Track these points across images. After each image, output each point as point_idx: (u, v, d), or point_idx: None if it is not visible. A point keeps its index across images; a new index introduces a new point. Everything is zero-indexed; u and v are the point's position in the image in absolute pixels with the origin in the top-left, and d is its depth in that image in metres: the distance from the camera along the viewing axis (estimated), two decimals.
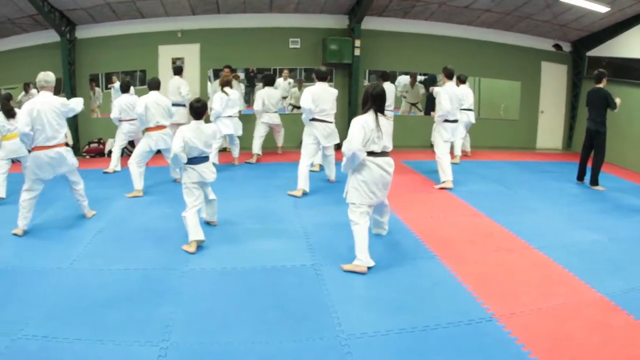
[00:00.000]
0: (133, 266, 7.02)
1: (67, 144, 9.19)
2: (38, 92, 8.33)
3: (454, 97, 10.99)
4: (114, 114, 12.69)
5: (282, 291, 6.19)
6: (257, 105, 13.51)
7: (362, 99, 6.81)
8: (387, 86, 14.51)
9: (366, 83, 16.02)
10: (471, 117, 13.99)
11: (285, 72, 14.68)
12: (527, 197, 10.33)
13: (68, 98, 9.05)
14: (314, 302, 5.88)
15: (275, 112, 13.86)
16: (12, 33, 15.85)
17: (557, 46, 16.47)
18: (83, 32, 16.02)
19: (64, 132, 8.54)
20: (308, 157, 10.36)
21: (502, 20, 15.51)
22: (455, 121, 11.28)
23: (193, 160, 7.51)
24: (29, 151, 8.36)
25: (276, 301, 5.94)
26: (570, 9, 13.99)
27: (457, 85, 12.57)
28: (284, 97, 14.87)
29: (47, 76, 8.26)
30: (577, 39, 16.49)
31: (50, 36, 15.52)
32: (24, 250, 7.76)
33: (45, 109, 8.02)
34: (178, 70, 14.57)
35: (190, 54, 15.98)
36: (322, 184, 11.11)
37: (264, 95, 13.47)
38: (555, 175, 12.61)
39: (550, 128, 17.40)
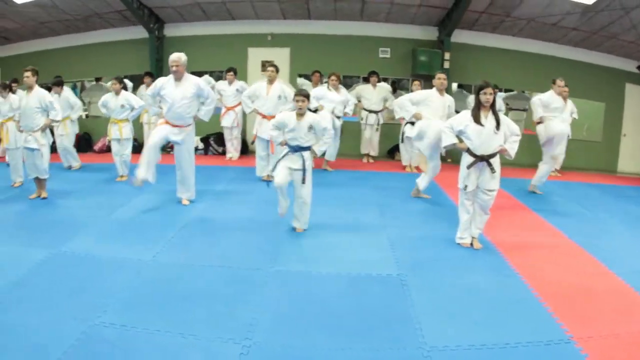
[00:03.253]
0: (217, 263, 7.10)
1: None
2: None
3: None
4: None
5: (367, 299, 6.18)
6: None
7: None
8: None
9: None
10: None
11: (374, 78, 14.72)
12: (608, 220, 10.17)
13: None
14: (398, 312, 5.86)
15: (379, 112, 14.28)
16: (99, 27, 16.55)
17: None
18: (171, 30, 16.64)
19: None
20: None
21: (589, 39, 15.29)
22: None
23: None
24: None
25: (360, 309, 5.93)
26: None
27: None
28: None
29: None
30: None
31: (138, 32, 16.15)
32: (106, 240, 7.98)
33: None
34: None
35: (280, 57, 16.09)
36: (407, 195, 11.16)
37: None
38: (636, 200, 12.38)
39: (632, 152, 16.92)
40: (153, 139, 9.54)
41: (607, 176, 15.86)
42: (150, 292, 6.22)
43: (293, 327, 5.51)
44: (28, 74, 9.81)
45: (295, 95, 8.20)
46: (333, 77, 13.06)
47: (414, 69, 15.74)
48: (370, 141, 15.07)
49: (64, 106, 12.94)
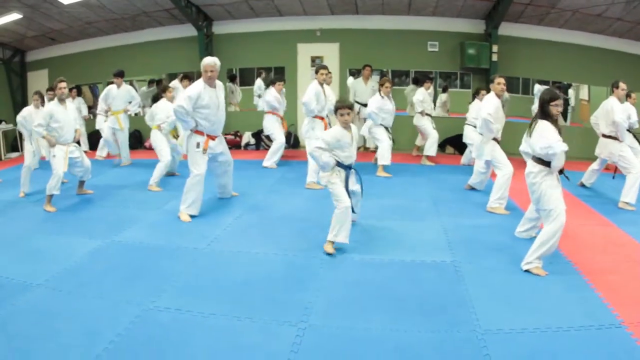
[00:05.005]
0: (272, 251, 7.33)
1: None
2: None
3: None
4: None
5: (421, 284, 6.36)
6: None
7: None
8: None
9: None
10: None
11: (428, 83, 14.56)
12: None
13: None
14: (452, 296, 6.03)
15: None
16: (147, 26, 16.81)
17: None
18: (220, 28, 16.83)
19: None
20: None
21: (633, 30, 15.12)
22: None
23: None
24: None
25: (415, 293, 6.10)
26: None
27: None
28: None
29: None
30: None
31: (186, 30, 16.34)
32: (159, 230, 8.31)
33: None
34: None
35: (330, 53, 16.33)
36: (460, 187, 11.26)
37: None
38: None
39: None
40: (201, 170, 8.90)
41: None
42: (205, 278, 6.52)
43: (348, 310, 5.72)
44: (64, 84, 9.68)
45: (341, 108, 7.12)
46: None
47: (462, 63, 15.79)
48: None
49: (122, 98, 13.48)
